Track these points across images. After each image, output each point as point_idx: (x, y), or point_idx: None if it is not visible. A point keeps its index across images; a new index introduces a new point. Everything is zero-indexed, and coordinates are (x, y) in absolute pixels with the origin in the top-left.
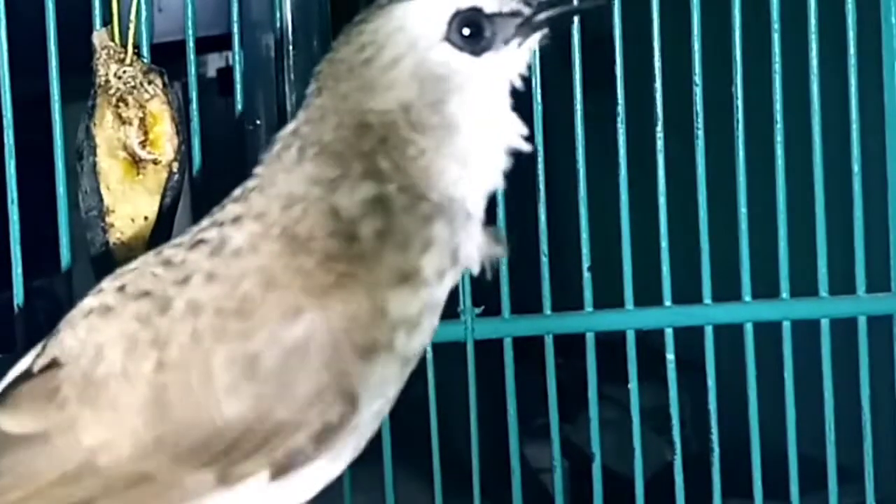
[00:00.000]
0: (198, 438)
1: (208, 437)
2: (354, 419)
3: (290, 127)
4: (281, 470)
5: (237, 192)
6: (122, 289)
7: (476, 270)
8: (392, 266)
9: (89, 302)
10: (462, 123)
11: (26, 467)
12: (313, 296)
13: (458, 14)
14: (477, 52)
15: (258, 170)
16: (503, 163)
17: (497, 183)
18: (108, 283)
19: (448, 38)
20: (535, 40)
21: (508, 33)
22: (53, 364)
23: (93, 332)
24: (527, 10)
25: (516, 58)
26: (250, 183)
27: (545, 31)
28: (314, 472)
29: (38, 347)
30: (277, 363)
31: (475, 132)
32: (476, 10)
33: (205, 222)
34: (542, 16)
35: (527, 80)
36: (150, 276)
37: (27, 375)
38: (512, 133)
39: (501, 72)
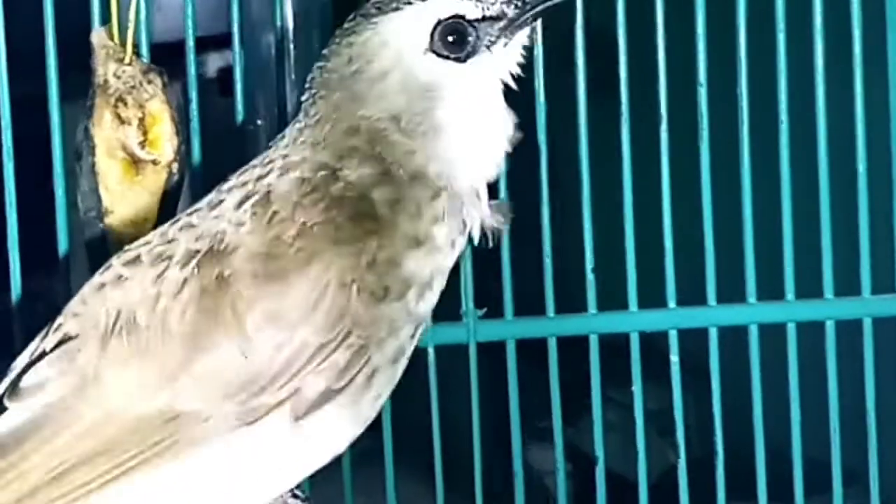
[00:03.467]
0: (225, 368)
1: (236, 365)
2: (369, 357)
3: (292, 127)
4: (301, 406)
5: (254, 161)
6: (136, 259)
7: (476, 239)
8: (406, 231)
9: (99, 279)
10: (449, 126)
11: (48, 435)
12: (340, 242)
13: (440, 23)
14: (462, 58)
15: (265, 156)
16: (499, 152)
17: (495, 170)
18: (118, 260)
19: (432, 49)
20: (521, 39)
21: (493, 36)
22: (66, 339)
23: (108, 300)
24: (510, 12)
25: (504, 58)
26: (264, 158)
27: (530, 28)
28: (332, 423)
29: (43, 333)
30: (305, 293)
31: (462, 132)
32: (458, 18)
33: (225, 187)
34: (525, 15)
35: (530, 81)
36: (167, 243)
37: (39, 358)
38: (506, 127)
39: (489, 74)
